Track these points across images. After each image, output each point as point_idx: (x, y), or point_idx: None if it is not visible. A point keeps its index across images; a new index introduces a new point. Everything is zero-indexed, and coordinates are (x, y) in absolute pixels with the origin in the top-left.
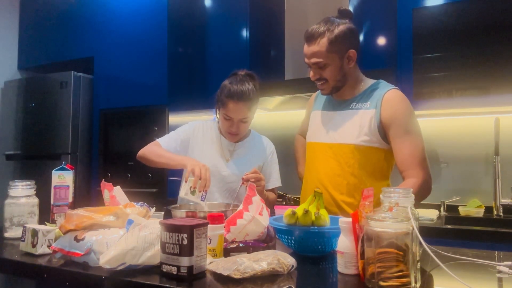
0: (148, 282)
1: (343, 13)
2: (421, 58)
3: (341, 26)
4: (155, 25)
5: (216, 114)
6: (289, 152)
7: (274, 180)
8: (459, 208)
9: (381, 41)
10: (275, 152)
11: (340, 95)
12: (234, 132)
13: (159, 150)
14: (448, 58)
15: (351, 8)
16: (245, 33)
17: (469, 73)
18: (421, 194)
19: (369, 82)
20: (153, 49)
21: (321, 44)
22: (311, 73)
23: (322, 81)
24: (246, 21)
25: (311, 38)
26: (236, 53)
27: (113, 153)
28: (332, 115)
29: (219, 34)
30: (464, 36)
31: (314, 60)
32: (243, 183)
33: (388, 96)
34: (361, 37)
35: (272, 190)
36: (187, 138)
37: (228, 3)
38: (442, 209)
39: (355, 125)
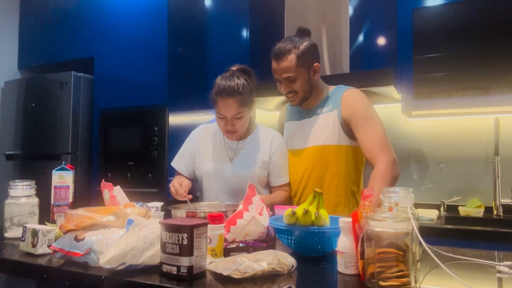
0: (148, 282)
1: (303, 32)
2: (421, 58)
3: (305, 43)
4: (155, 25)
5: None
6: None
7: (282, 176)
8: (459, 208)
9: (381, 41)
10: (283, 145)
11: (307, 105)
12: (230, 130)
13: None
14: (448, 58)
15: (351, 8)
16: (245, 33)
17: (469, 73)
18: (390, 178)
19: (330, 88)
20: (153, 49)
21: (290, 59)
22: (282, 87)
23: (292, 94)
24: (246, 21)
25: (280, 55)
26: (236, 53)
27: (113, 153)
28: (302, 123)
29: (219, 34)
30: (464, 36)
31: (285, 75)
32: None
33: (346, 95)
34: (361, 37)
35: (281, 187)
36: (191, 149)
37: (228, 3)
38: (442, 209)
39: (321, 128)
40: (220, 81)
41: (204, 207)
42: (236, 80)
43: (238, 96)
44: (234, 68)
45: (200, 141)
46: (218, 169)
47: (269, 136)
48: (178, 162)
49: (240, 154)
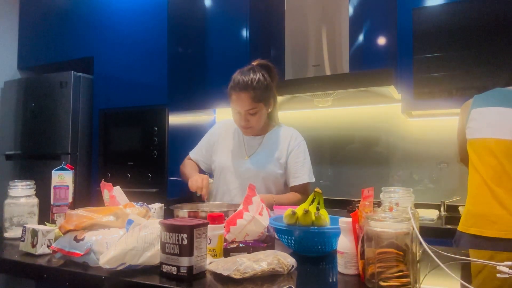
0: (148, 282)
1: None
2: (421, 58)
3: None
4: (155, 25)
5: None
6: None
7: (298, 177)
8: (459, 208)
9: (381, 41)
10: (301, 144)
11: None
12: (244, 126)
13: (184, 167)
14: (448, 58)
15: (351, 8)
16: (245, 33)
17: (469, 73)
18: None
19: None
20: (153, 49)
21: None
22: None
23: None
24: (246, 21)
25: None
26: (236, 53)
27: (113, 153)
28: None
29: (219, 34)
30: (464, 36)
31: None
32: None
33: None
34: (361, 37)
35: (297, 188)
36: (211, 141)
37: (228, 3)
38: (442, 209)
39: None
40: (236, 75)
41: (205, 207)
42: (251, 75)
43: (251, 91)
44: (254, 62)
45: (220, 135)
46: (233, 164)
47: (288, 135)
48: (196, 153)
49: (257, 151)
